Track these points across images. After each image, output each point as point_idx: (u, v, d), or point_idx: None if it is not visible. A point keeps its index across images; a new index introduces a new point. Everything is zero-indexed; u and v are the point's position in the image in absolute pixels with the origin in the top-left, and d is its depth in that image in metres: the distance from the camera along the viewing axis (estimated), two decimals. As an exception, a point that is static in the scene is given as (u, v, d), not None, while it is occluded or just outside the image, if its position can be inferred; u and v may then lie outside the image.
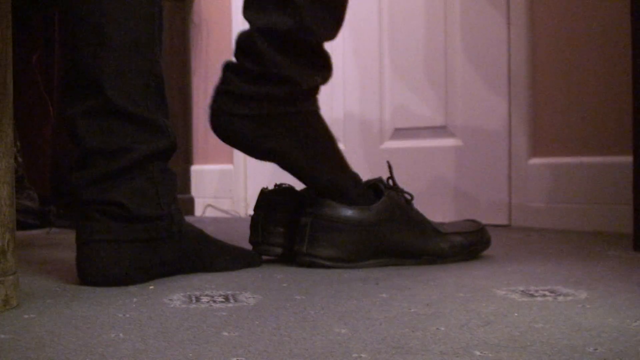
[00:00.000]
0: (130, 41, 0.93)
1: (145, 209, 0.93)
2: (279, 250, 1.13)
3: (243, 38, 1.04)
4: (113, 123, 0.93)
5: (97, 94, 0.92)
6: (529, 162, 1.71)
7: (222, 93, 1.05)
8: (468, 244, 1.13)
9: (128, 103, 0.93)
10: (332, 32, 1.05)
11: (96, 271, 0.90)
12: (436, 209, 1.87)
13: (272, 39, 1.01)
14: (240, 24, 2.31)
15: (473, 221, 1.18)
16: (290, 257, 1.15)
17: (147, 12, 0.95)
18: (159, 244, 0.94)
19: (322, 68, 1.06)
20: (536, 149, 1.71)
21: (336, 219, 1.05)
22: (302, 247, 1.06)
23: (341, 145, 2.09)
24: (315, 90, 1.06)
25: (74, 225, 1.82)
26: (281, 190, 1.15)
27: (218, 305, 0.79)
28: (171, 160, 0.99)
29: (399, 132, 1.94)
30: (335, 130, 2.08)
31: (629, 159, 1.31)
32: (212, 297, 0.83)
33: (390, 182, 1.13)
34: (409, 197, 1.12)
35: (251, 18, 1.04)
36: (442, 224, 1.17)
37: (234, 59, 1.05)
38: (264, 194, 1.16)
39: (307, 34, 1.01)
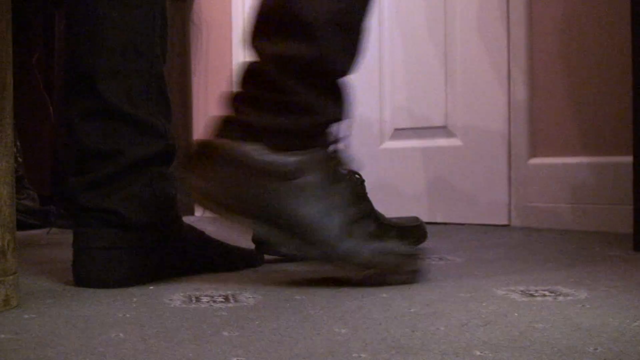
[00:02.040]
0: (127, 41, 0.93)
1: (141, 217, 0.93)
2: (283, 249, 1.13)
3: (253, 67, 0.93)
4: (109, 125, 0.93)
5: (93, 94, 0.92)
6: (529, 162, 1.71)
7: (233, 123, 0.92)
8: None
9: (125, 104, 0.93)
10: (352, 64, 0.95)
11: (92, 277, 0.91)
12: (436, 209, 1.87)
13: (291, 68, 0.90)
14: (240, 24, 2.31)
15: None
16: (293, 257, 1.15)
17: (147, 12, 0.94)
18: (156, 250, 0.94)
19: (342, 102, 0.95)
20: (536, 149, 1.71)
21: (224, 151, 0.88)
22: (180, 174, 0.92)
23: (341, 145, 2.10)
24: (329, 127, 0.95)
25: (74, 225, 1.83)
26: None
27: (218, 305, 0.79)
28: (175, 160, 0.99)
29: (399, 132, 1.94)
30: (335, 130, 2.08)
31: (629, 159, 1.31)
32: (212, 297, 0.83)
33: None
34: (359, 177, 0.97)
35: (264, 47, 0.92)
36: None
37: (240, 89, 0.94)
38: None
39: (329, 65, 0.92)
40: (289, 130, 0.90)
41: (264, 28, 0.93)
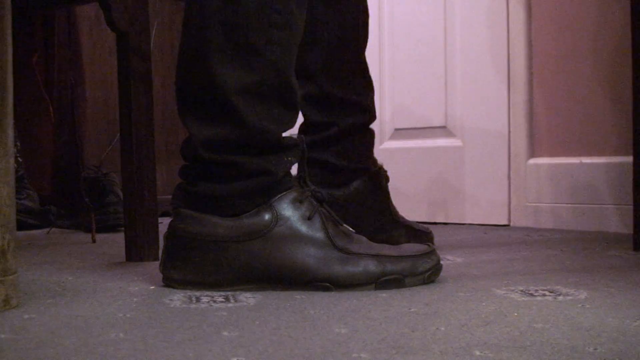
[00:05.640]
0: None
1: None
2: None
3: (188, 150, 0.92)
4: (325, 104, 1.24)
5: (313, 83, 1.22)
6: (528, 162, 1.71)
7: (190, 193, 0.91)
8: (379, 273, 0.87)
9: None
10: (288, 123, 0.93)
11: None
12: (436, 209, 1.87)
13: (224, 147, 0.89)
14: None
15: (428, 245, 0.94)
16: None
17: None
18: None
19: (291, 149, 0.92)
20: (536, 149, 1.71)
21: (190, 234, 0.88)
22: (160, 268, 0.92)
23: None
24: (287, 173, 0.92)
25: (74, 225, 1.83)
26: None
27: (218, 305, 0.79)
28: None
29: (399, 132, 1.94)
30: (335, 130, 2.08)
31: (629, 159, 1.31)
32: (212, 297, 0.83)
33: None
34: (320, 195, 0.91)
35: (193, 129, 0.90)
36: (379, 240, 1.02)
37: (187, 163, 0.93)
38: None
39: (263, 134, 0.89)
40: (247, 192, 0.89)
41: (189, 103, 0.92)
